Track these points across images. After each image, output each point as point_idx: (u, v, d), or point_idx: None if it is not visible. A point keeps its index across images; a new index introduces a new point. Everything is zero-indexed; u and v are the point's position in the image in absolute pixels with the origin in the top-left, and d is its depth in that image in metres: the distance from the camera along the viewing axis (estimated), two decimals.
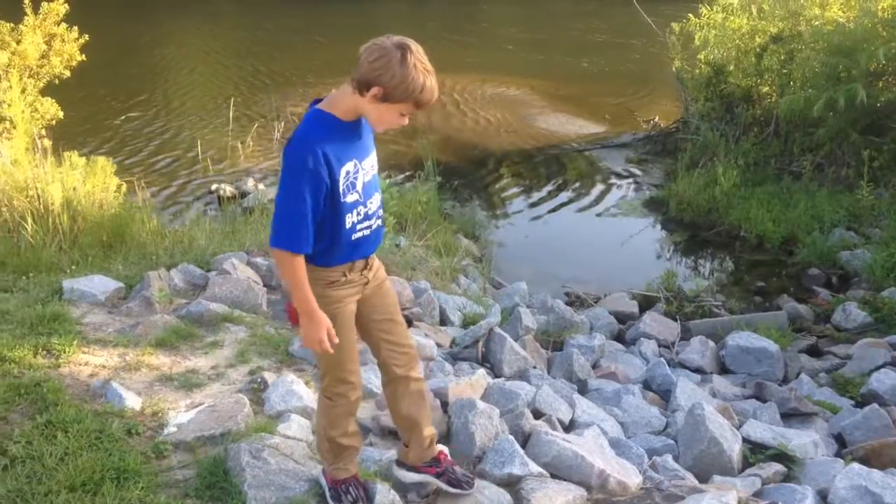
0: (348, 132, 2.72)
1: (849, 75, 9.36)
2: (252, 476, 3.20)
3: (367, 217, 2.82)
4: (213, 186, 10.59)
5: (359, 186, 2.76)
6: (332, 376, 2.96)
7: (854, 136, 9.51)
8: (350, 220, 2.75)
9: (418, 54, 2.58)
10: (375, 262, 2.99)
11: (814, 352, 6.78)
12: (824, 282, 8.23)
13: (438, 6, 29.94)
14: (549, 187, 11.45)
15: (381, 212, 2.91)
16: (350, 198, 2.73)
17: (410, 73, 2.55)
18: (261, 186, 10.54)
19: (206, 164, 10.79)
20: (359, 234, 2.81)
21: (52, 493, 3.06)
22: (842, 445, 4.94)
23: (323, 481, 3.17)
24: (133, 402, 3.82)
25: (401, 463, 3.30)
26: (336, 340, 2.77)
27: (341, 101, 2.70)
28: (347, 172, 2.70)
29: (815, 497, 3.89)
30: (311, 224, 2.65)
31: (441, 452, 3.29)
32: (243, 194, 10.31)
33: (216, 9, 29.25)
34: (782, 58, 10.74)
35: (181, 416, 3.77)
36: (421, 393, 3.14)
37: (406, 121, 2.70)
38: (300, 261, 2.69)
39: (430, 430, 3.21)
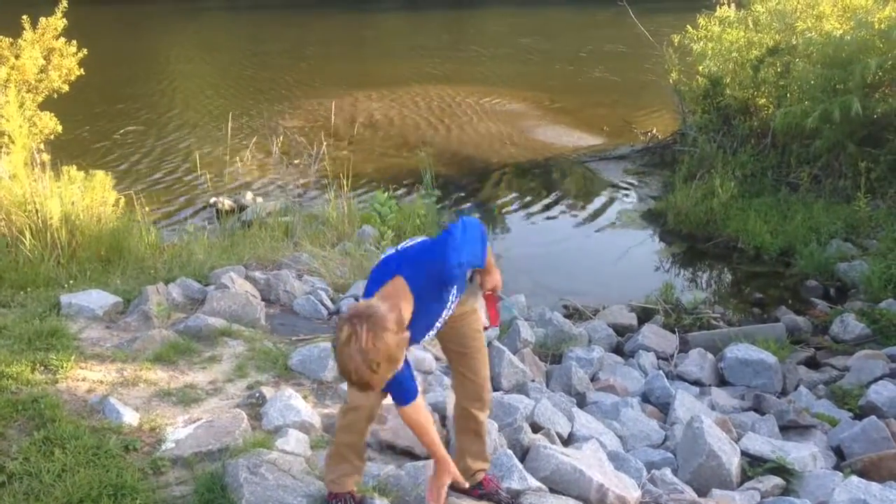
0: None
1: (845, 87, 9.39)
2: (250, 492, 3.19)
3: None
4: (212, 200, 10.58)
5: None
6: None
7: (851, 147, 9.53)
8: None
9: (341, 333, 2.48)
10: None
11: (812, 364, 6.78)
12: (822, 293, 8.22)
13: (442, 19, 30.06)
14: (547, 199, 11.46)
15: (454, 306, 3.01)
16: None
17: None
18: (259, 200, 10.54)
19: (204, 178, 10.81)
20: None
21: None
22: (840, 458, 4.94)
23: None
24: (131, 417, 3.81)
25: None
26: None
27: None
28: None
29: None
30: (410, 375, 2.84)
31: (486, 478, 3.40)
32: (242, 208, 10.30)
33: (214, 23, 29.34)
34: (779, 70, 10.79)
35: (179, 431, 3.77)
36: (475, 431, 3.28)
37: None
38: (417, 405, 2.90)
39: (476, 465, 3.34)
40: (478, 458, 3.35)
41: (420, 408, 2.94)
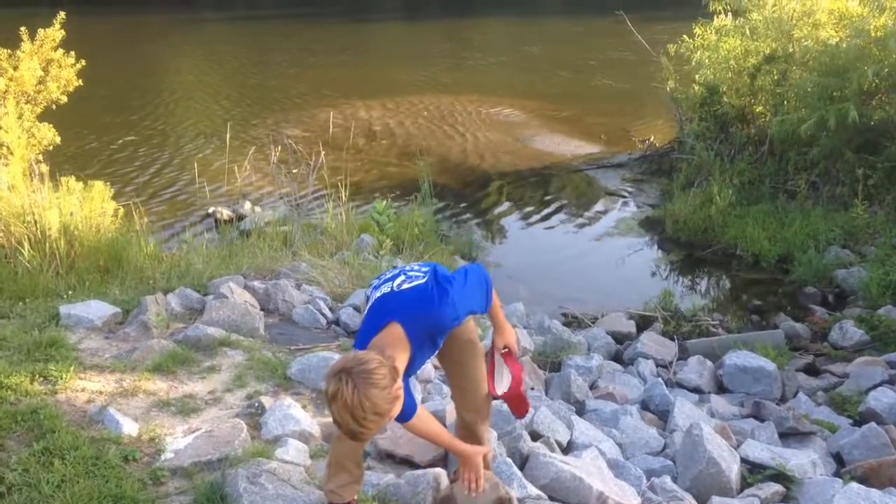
0: None
1: (842, 95, 9.42)
2: (249, 502, 3.19)
3: None
4: (210, 209, 10.59)
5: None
6: None
7: (848, 154, 9.56)
8: None
9: (330, 385, 2.48)
10: None
11: (811, 370, 6.78)
12: (820, 300, 8.24)
13: (441, 27, 30.13)
14: (546, 208, 11.48)
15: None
16: None
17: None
18: (257, 209, 10.55)
19: (203, 188, 10.83)
20: None
21: None
22: (840, 465, 4.94)
23: None
24: (130, 428, 3.81)
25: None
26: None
27: None
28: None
29: None
30: (407, 391, 2.79)
31: None
32: (240, 217, 10.31)
33: (212, 34, 29.41)
34: (775, 78, 10.82)
35: (178, 441, 3.76)
36: (476, 441, 3.24)
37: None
38: (419, 418, 2.89)
39: None
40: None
41: (423, 418, 2.94)
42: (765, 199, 10.12)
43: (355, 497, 3.19)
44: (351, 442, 3.08)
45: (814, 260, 8.58)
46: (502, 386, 3.26)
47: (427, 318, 2.78)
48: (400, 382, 2.56)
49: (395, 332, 2.72)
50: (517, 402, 3.29)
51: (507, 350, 3.25)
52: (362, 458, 3.21)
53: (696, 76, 11.76)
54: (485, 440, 3.30)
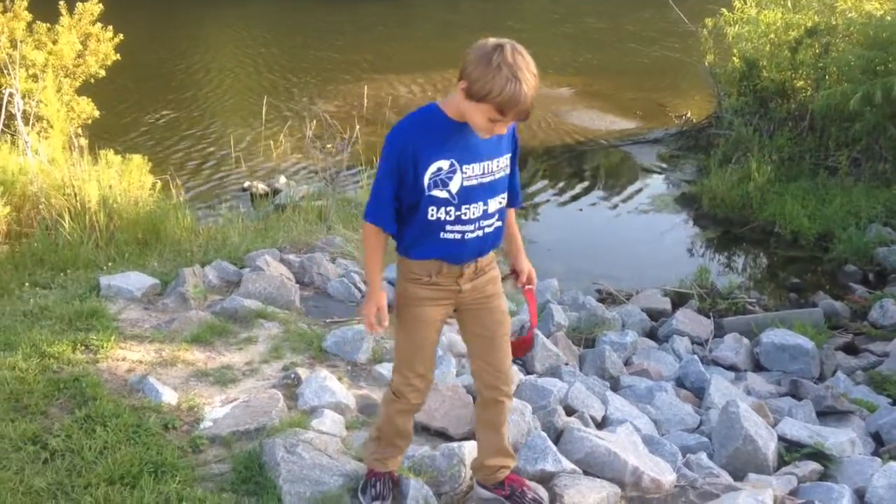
0: (453, 130, 2.63)
1: (886, 68, 9.21)
2: (287, 470, 3.23)
3: (460, 221, 2.72)
4: (246, 184, 10.66)
5: (452, 187, 2.66)
6: (399, 372, 2.97)
7: (891, 130, 9.36)
8: (433, 213, 2.69)
9: (510, 57, 2.44)
10: (484, 277, 2.92)
11: (850, 349, 6.70)
12: (861, 278, 8.11)
13: (472, 1, 29.88)
14: (581, 183, 11.40)
15: (487, 224, 2.79)
16: (436, 193, 2.66)
17: (490, 73, 2.43)
18: (292, 184, 10.59)
19: (239, 162, 10.90)
20: (448, 235, 2.74)
21: (91, 486, 3.12)
22: (879, 444, 4.89)
23: None
24: (169, 397, 3.87)
25: (478, 482, 3.28)
26: (385, 324, 2.85)
27: (452, 98, 2.63)
28: (439, 169, 2.64)
29: (852, 496, 3.84)
30: (392, 205, 2.70)
31: (509, 477, 3.20)
32: (275, 192, 10.36)
33: (250, 9, 29.44)
34: (817, 51, 10.60)
35: (216, 411, 3.82)
36: (494, 424, 3.09)
37: (502, 129, 2.57)
38: (377, 234, 2.77)
39: (495, 461, 3.15)
40: (497, 454, 3.16)
41: (378, 234, 2.79)
42: (804, 176, 9.95)
43: (395, 468, 3.21)
44: (402, 420, 3.05)
45: (854, 237, 8.43)
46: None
47: None
48: None
49: None
50: (525, 347, 3.11)
51: (530, 286, 3.09)
52: (411, 432, 3.16)
53: (735, 50, 11.56)
54: (501, 425, 3.10)
